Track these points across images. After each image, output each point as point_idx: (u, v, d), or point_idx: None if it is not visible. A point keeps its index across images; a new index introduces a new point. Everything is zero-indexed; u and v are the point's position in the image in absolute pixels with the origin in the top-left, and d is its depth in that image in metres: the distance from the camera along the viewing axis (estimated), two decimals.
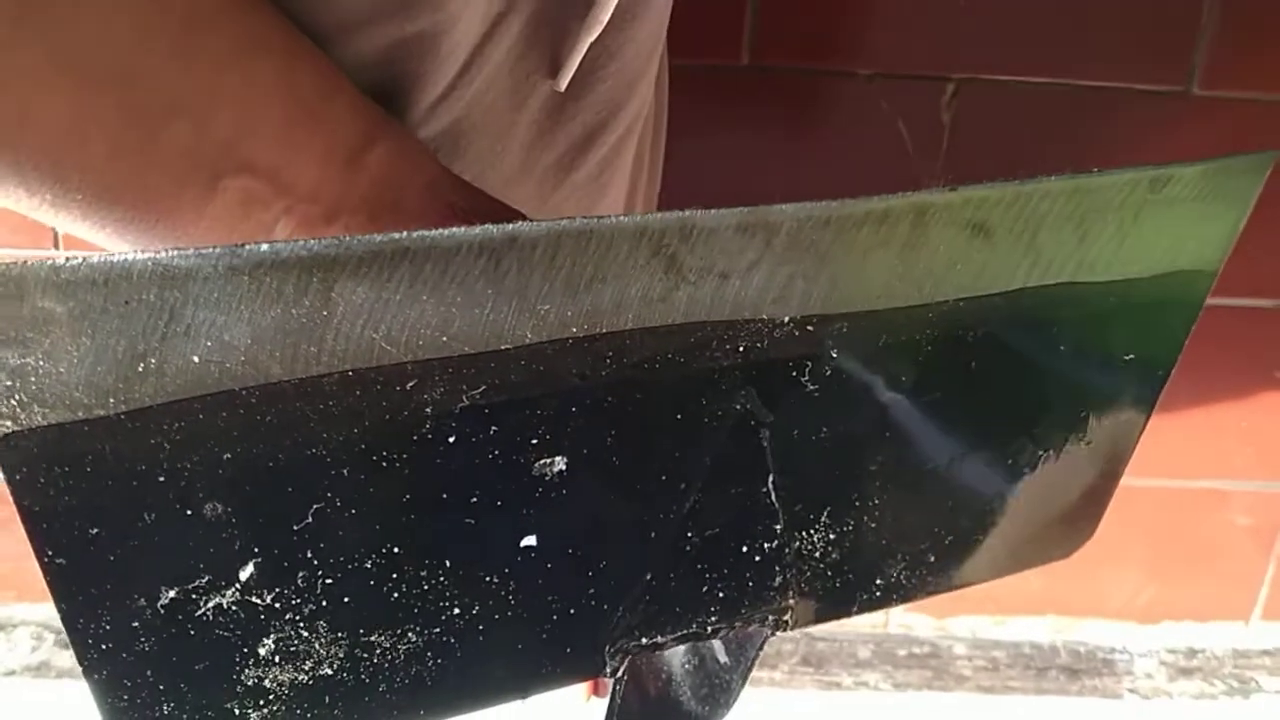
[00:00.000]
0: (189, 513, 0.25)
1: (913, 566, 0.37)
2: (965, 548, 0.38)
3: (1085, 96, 0.85)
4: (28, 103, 0.29)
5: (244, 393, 0.25)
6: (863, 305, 0.30)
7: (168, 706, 0.28)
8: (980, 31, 0.82)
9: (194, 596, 0.27)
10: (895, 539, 0.36)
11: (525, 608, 0.31)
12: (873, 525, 0.35)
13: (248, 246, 0.23)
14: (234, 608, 0.27)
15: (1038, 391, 0.35)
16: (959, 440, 0.35)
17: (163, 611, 0.26)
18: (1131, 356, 0.37)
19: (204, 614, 0.27)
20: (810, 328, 0.30)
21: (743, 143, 0.84)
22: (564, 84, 0.42)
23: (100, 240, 0.33)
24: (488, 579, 0.30)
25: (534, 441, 0.28)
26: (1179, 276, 0.36)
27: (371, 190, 0.35)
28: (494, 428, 0.27)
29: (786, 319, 0.30)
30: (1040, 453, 0.37)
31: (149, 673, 0.27)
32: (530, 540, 0.30)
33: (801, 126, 0.83)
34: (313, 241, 0.23)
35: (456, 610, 0.30)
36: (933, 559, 0.38)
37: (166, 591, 0.26)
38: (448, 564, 0.29)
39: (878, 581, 0.37)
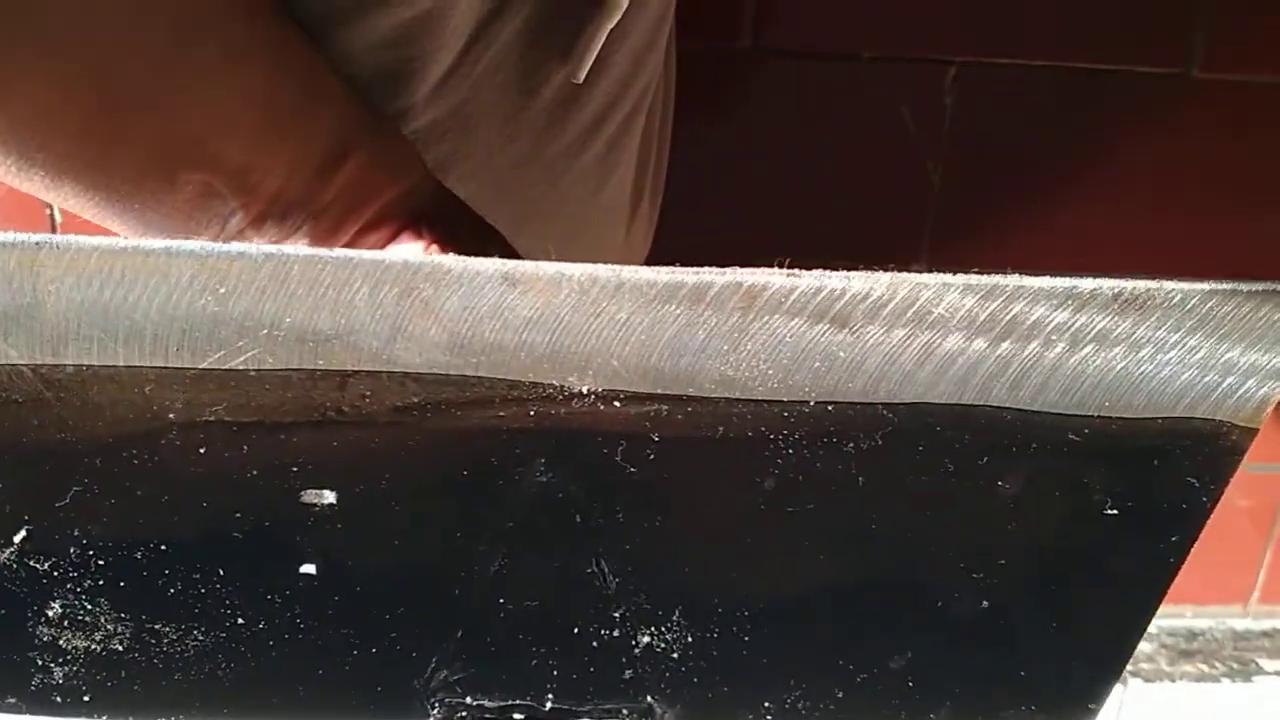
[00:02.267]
0: None
1: (813, 699, 0.32)
2: (884, 693, 0.32)
3: (1086, 79, 0.82)
4: (3, 82, 0.31)
5: None
6: (682, 389, 0.26)
7: None
8: (982, 15, 0.80)
9: None
10: (782, 661, 0.31)
11: (318, 634, 0.30)
12: (746, 639, 0.31)
13: None
14: (16, 566, 0.29)
15: (963, 528, 0.29)
16: (855, 565, 0.30)
17: None
18: (1116, 512, 0.29)
19: None
20: (618, 403, 0.27)
21: (744, 126, 0.81)
22: (582, 75, 0.40)
23: (65, 207, 0.35)
24: (269, 597, 0.29)
25: (294, 469, 0.27)
26: (1190, 425, 0.28)
27: (339, 197, 0.35)
28: (245, 447, 0.27)
29: (585, 389, 0.26)
30: (980, 603, 0.30)
31: None
32: (309, 568, 0.29)
33: (803, 109, 0.81)
34: (24, 235, 0.24)
35: (241, 620, 0.30)
36: (840, 695, 0.32)
37: None
38: (220, 572, 0.29)
39: (767, 704, 0.32)
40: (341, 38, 0.34)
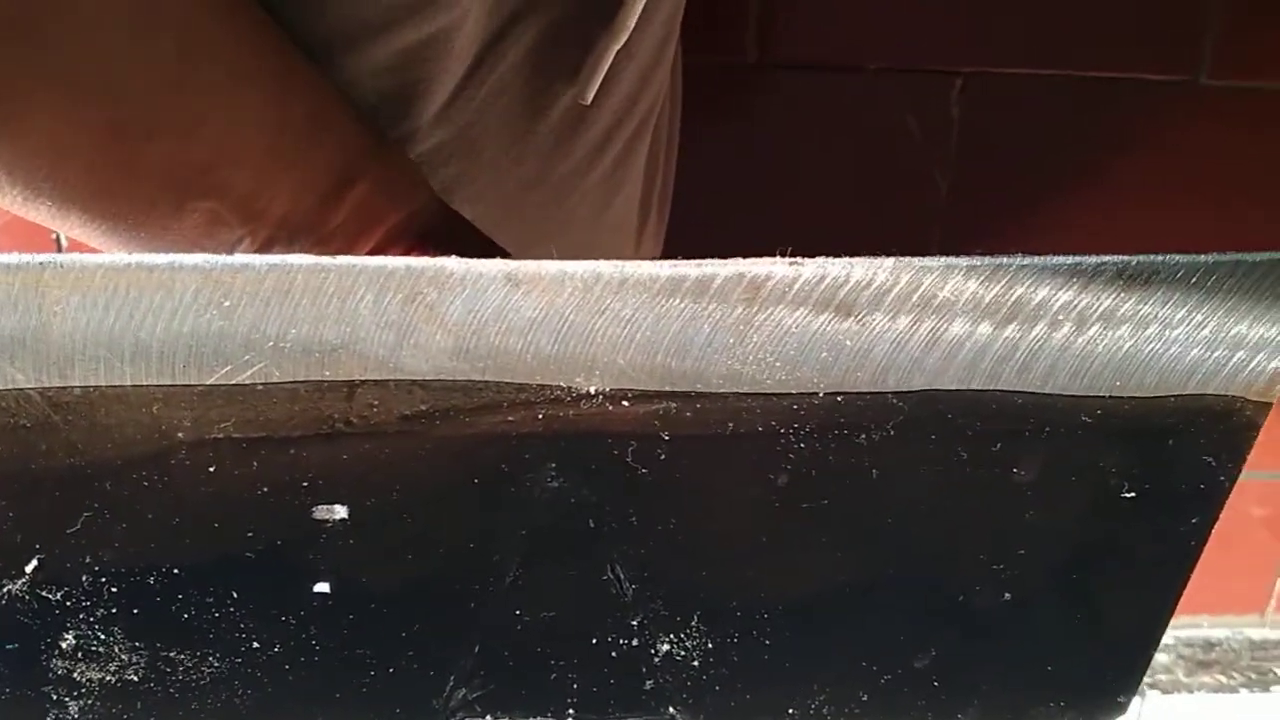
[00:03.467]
0: None
1: (838, 702, 0.32)
2: (909, 694, 0.32)
3: (1093, 88, 0.82)
4: (11, 114, 0.31)
5: None
6: (690, 385, 0.26)
7: None
8: (988, 24, 0.80)
9: None
10: (805, 665, 0.31)
11: (335, 656, 0.30)
12: (767, 643, 0.30)
13: None
14: (28, 597, 0.28)
15: (982, 518, 0.29)
16: (874, 562, 0.29)
17: None
18: (1134, 495, 0.29)
19: (1, 598, 0.28)
20: (626, 403, 0.26)
21: (750, 139, 0.81)
22: (590, 96, 0.40)
23: (71, 235, 0.35)
24: (284, 619, 0.29)
25: (305, 485, 0.27)
26: (1203, 403, 0.28)
27: (346, 222, 0.35)
28: (255, 464, 0.27)
29: (593, 390, 0.26)
30: (1002, 596, 0.30)
31: None
32: (323, 587, 0.29)
33: (809, 122, 0.81)
34: (28, 256, 0.24)
35: (256, 644, 0.29)
36: (865, 697, 0.32)
37: None
38: (235, 595, 0.29)
39: (791, 711, 0.32)
40: (346, 63, 0.35)
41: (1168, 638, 1.09)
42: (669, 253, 0.58)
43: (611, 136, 0.44)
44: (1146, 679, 1.02)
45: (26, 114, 0.30)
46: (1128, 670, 0.32)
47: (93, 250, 0.35)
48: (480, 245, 0.38)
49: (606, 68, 0.39)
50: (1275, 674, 1.08)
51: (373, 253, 0.36)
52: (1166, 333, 0.26)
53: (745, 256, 0.25)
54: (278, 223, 0.34)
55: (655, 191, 0.55)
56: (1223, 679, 1.08)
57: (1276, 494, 1.03)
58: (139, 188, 0.32)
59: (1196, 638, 1.10)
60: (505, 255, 0.38)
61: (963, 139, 0.83)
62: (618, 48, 0.38)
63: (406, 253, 0.36)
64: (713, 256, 0.25)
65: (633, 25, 0.37)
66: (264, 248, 0.35)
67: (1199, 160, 0.85)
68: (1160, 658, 1.08)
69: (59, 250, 0.77)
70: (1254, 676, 1.08)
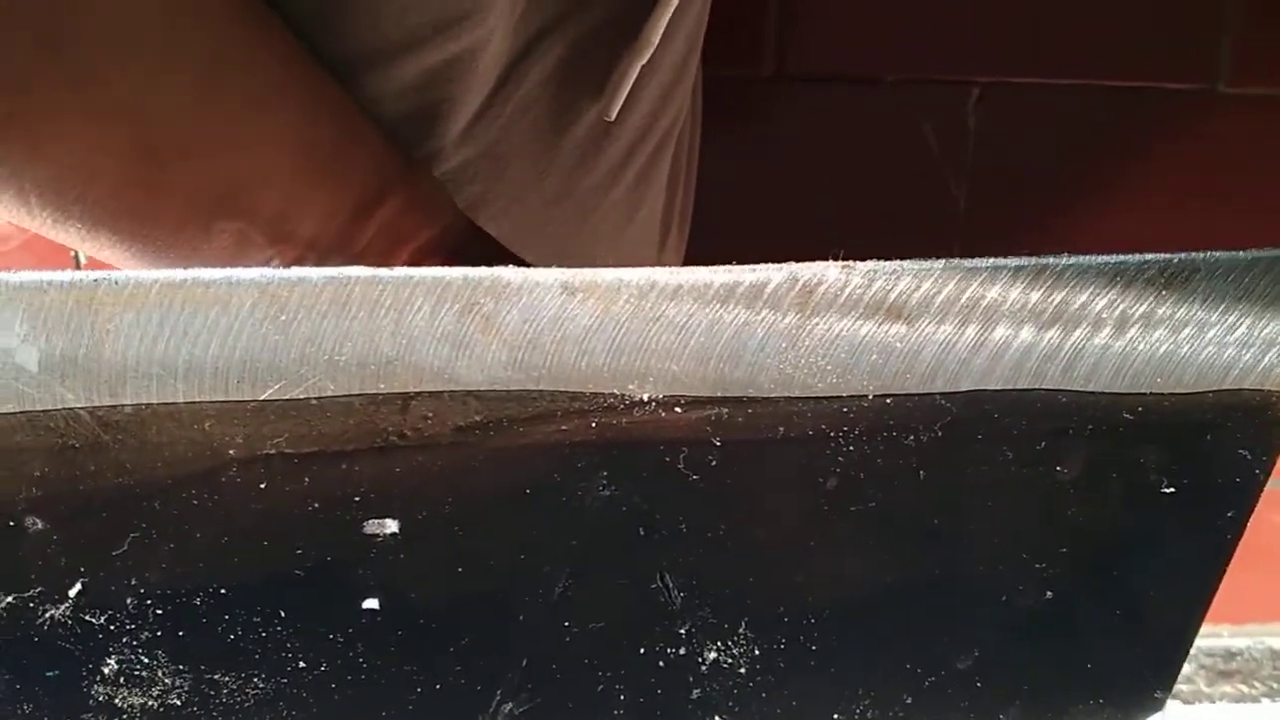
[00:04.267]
0: (11, 524, 0.27)
1: (882, 706, 0.32)
2: (952, 695, 0.32)
3: (1110, 97, 0.83)
4: (41, 135, 0.30)
5: (43, 415, 0.25)
6: (742, 390, 0.26)
7: (26, 707, 0.29)
8: (1004, 35, 0.81)
9: (30, 605, 0.28)
10: (851, 670, 0.31)
11: (382, 674, 0.29)
12: (813, 648, 0.30)
13: (21, 275, 0.23)
14: (70, 623, 0.28)
15: (1025, 517, 0.29)
16: (920, 563, 0.30)
17: (4, 615, 0.28)
18: (1173, 490, 0.29)
19: (43, 623, 0.28)
20: (679, 409, 0.27)
21: (767, 151, 0.82)
22: (614, 113, 0.40)
23: (100, 257, 0.35)
24: (331, 636, 0.29)
25: (356, 499, 0.27)
26: (1239, 398, 0.28)
27: (374, 241, 0.35)
28: (307, 479, 0.27)
29: (646, 397, 0.26)
30: (1044, 594, 0.30)
31: (2, 671, 0.29)
32: (372, 603, 0.28)
33: (827, 133, 0.82)
34: (81, 274, 0.24)
35: (303, 664, 0.29)
36: (909, 700, 0.32)
37: (5, 597, 0.28)
38: (282, 614, 0.28)
39: (836, 717, 0.32)
40: (370, 82, 0.35)
41: None
42: (689, 263, 0.58)
43: (634, 152, 0.44)
44: None
45: (57, 136, 0.29)
46: (1165, 666, 0.32)
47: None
48: (506, 262, 0.38)
49: (631, 84, 0.39)
50: None
51: None
52: (1204, 331, 0.27)
53: (762, 266, 0.25)
54: (307, 243, 0.34)
55: (676, 205, 0.55)
56: (1244, 689, 1.08)
57: None
58: (168, 209, 0.32)
59: (1218, 647, 1.11)
60: (524, 263, 0.38)
61: (979, 149, 0.83)
62: (641, 64, 0.38)
63: None
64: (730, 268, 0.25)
65: (657, 41, 0.38)
66: (294, 266, 0.35)
67: (1218, 168, 0.85)
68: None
69: (77, 267, 0.76)
70: (1275, 686, 1.08)
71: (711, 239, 0.64)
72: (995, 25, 0.80)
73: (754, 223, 0.83)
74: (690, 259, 0.62)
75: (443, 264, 0.34)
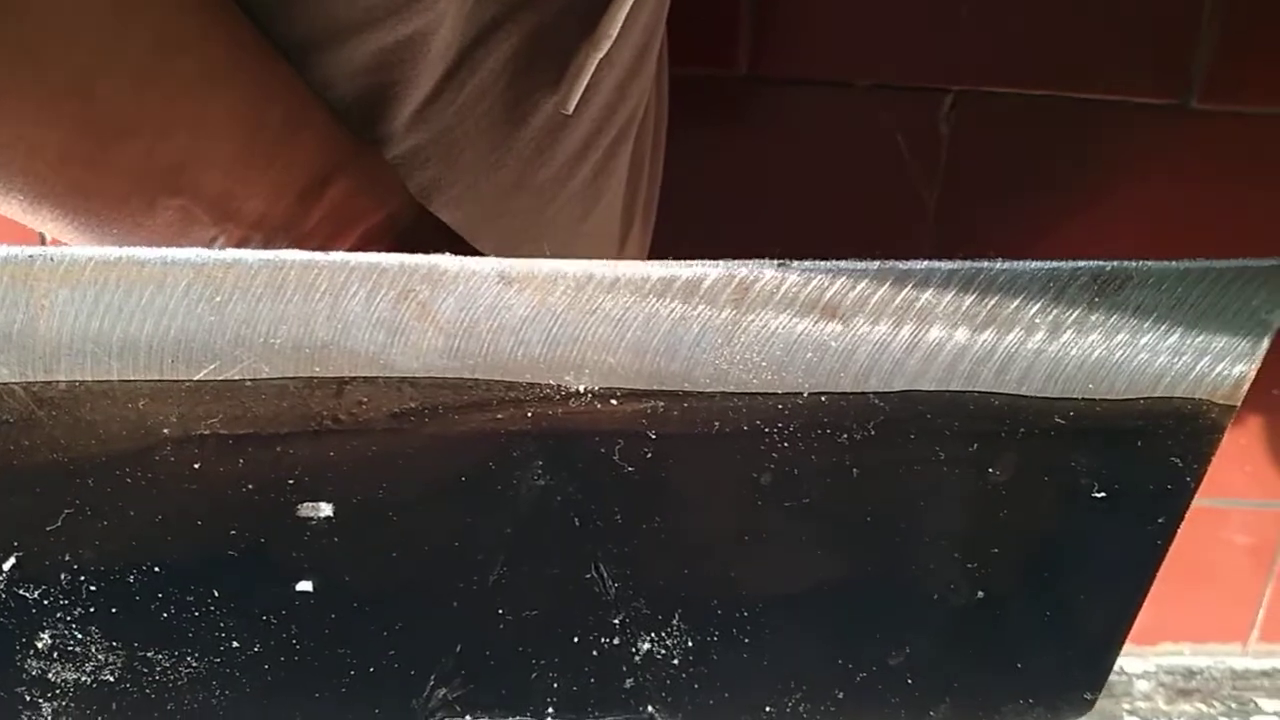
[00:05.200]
0: None
1: (814, 700, 0.32)
2: (883, 691, 0.32)
3: (1084, 109, 0.83)
4: None
5: None
6: (678, 384, 0.27)
7: None
8: (979, 43, 0.81)
9: None
10: (783, 663, 0.31)
11: (314, 655, 0.30)
12: (746, 641, 0.31)
13: None
14: (4, 596, 0.28)
15: (956, 517, 0.29)
16: (853, 560, 0.30)
17: None
18: (1104, 495, 0.29)
19: None
20: (615, 401, 0.27)
21: (739, 153, 0.82)
22: (571, 106, 0.40)
23: (42, 230, 0.35)
24: (264, 618, 0.29)
25: (290, 482, 0.27)
26: (1171, 405, 0.28)
27: (322, 223, 0.35)
28: (241, 460, 0.27)
29: (582, 388, 0.27)
30: (975, 594, 0.31)
31: None
32: (306, 585, 0.28)
33: (798, 136, 0.81)
34: (18, 249, 0.24)
35: (236, 644, 0.29)
36: (841, 695, 0.32)
37: None
38: (216, 594, 0.28)
39: (767, 709, 0.32)
40: (321, 63, 0.35)
41: (1149, 665, 1.10)
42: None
43: (591, 144, 0.44)
44: (1127, 706, 1.05)
45: (1, 109, 0.29)
46: (1094, 667, 0.33)
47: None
48: (459, 250, 0.38)
49: (588, 77, 0.39)
50: (1256, 704, 1.09)
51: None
52: (1137, 339, 0.27)
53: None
54: (253, 222, 0.34)
55: (639, 200, 0.55)
56: (1203, 708, 1.08)
57: (1259, 523, 1.04)
58: (111, 184, 0.32)
59: (1178, 666, 1.11)
60: (478, 252, 0.38)
61: (951, 157, 0.83)
62: (599, 57, 0.38)
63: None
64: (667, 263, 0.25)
65: (615, 35, 0.38)
66: (239, 246, 0.34)
67: (1188, 183, 0.85)
68: (1141, 685, 1.09)
69: (43, 243, 0.76)
70: (1234, 706, 1.08)
71: (679, 236, 0.65)
72: (970, 34, 0.80)
73: (722, 222, 0.83)
74: (656, 255, 0.61)
75: (391, 247, 0.35)
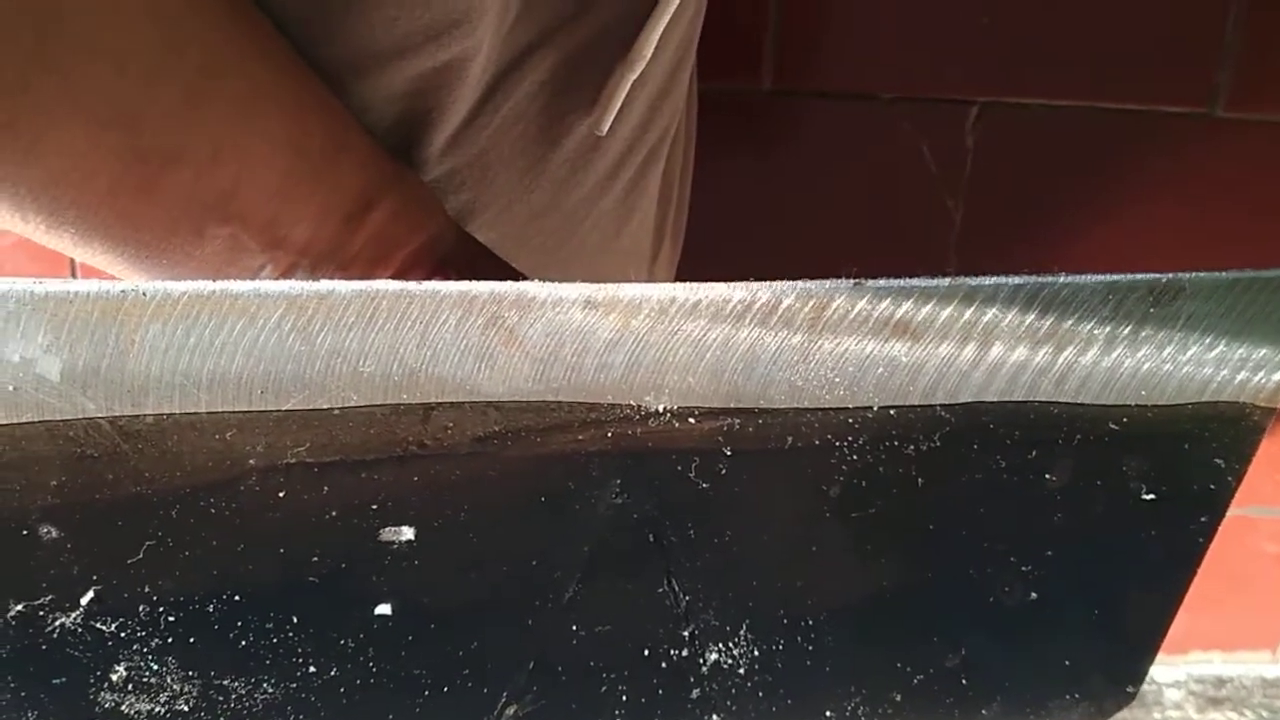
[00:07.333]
0: (25, 533, 0.27)
1: (873, 704, 0.33)
2: (939, 693, 0.33)
3: (1109, 119, 0.84)
4: (36, 139, 0.30)
5: (63, 425, 0.25)
6: (754, 402, 0.27)
7: (31, 715, 0.29)
8: (1004, 54, 0.81)
9: (41, 613, 0.28)
10: (844, 669, 0.32)
11: (390, 678, 0.30)
12: (810, 649, 0.31)
13: (46, 285, 0.23)
14: (80, 630, 0.28)
15: (1014, 522, 0.30)
16: (914, 567, 0.31)
17: (13, 623, 0.28)
18: (1152, 496, 0.31)
19: (52, 631, 0.28)
20: (692, 420, 0.27)
21: (764, 166, 0.82)
22: (605, 127, 0.41)
23: (92, 263, 0.35)
24: (342, 642, 0.29)
25: (374, 507, 0.27)
26: (1216, 409, 0.30)
27: (366, 247, 0.35)
28: (326, 488, 0.27)
29: (661, 408, 0.27)
30: (1028, 595, 0.32)
31: (9, 679, 0.28)
32: (385, 609, 0.29)
33: (824, 150, 0.82)
34: (108, 284, 0.24)
35: (313, 669, 0.29)
36: (898, 698, 0.33)
37: (14, 605, 0.28)
38: (295, 620, 0.29)
39: (828, 714, 0.33)
40: (359, 88, 0.35)
41: (1179, 674, 1.10)
42: (683, 278, 0.58)
43: (623, 163, 0.45)
44: (1158, 715, 1.05)
45: (52, 140, 0.29)
46: (1136, 662, 0.34)
47: (109, 276, 0.34)
48: (497, 270, 0.38)
49: (622, 98, 0.39)
50: None
51: (394, 278, 0.36)
52: (1186, 347, 0.28)
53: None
54: (300, 248, 0.34)
55: (669, 218, 0.56)
56: (1234, 716, 1.08)
57: None
58: (160, 214, 0.32)
59: (1208, 674, 1.11)
60: (522, 279, 0.38)
61: (977, 168, 0.83)
62: (634, 77, 0.39)
63: (428, 278, 0.37)
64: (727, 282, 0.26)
65: (649, 55, 0.38)
66: (286, 275, 0.35)
67: (1214, 192, 0.86)
68: (1171, 694, 1.09)
69: (73, 269, 0.75)
70: (1265, 714, 1.08)
71: (707, 253, 0.65)
72: (995, 45, 0.80)
73: (749, 237, 0.83)
74: (685, 273, 0.62)
75: (435, 270, 0.35)
